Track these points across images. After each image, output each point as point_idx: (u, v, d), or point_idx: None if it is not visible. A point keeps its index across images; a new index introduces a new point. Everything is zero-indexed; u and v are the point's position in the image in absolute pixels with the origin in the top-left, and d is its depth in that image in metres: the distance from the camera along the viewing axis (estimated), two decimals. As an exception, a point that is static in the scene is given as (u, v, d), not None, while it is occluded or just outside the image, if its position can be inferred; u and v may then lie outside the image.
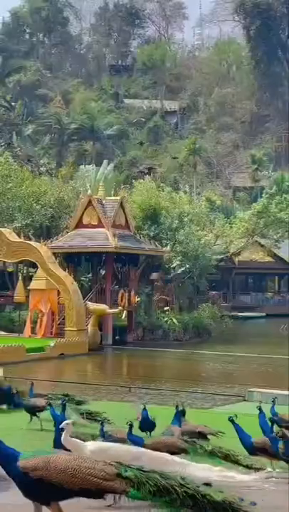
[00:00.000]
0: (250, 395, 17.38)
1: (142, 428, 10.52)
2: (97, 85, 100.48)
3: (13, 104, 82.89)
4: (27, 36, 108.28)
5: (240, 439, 9.29)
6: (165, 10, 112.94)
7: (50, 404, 11.32)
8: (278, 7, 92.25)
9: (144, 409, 10.71)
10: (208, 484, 6.00)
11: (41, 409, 12.21)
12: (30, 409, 12.50)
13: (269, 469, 8.78)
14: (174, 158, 77.33)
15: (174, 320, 38.38)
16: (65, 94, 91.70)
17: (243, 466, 8.79)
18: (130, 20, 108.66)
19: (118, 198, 38.83)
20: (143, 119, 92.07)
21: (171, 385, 22.48)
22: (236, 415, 9.53)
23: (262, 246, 60.31)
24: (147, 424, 10.59)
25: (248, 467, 8.79)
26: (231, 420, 9.32)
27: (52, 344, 30.41)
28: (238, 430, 9.34)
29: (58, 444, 7.86)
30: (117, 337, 36.39)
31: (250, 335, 43.79)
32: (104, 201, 38.13)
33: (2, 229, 36.07)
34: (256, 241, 57.45)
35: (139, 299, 38.19)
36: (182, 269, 42.03)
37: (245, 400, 17.43)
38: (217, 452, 8.98)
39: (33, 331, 33.42)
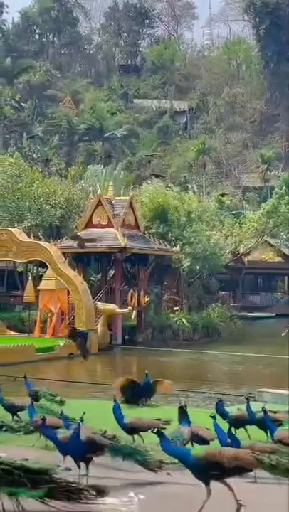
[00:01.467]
0: (260, 395, 17.36)
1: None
2: (106, 85, 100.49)
3: (22, 104, 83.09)
4: (36, 36, 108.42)
5: (218, 438, 9.40)
6: (174, 10, 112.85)
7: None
8: (288, 7, 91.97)
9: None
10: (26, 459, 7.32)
11: (19, 409, 12.40)
12: (8, 409, 12.62)
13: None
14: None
15: (184, 320, 38.38)
16: (75, 95, 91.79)
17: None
18: (140, 20, 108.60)
19: (127, 197, 38.86)
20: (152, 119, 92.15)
21: (180, 385, 22.46)
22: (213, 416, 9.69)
23: (271, 246, 60.24)
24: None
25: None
26: (213, 417, 9.48)
27: (61, 344, 30.46)
28: (216, 428, 9.43)
29: None
30: (126, 337, 36.43)
31: (260, 335, 43.72)
32: (113, 201, 38.17)
33: (12, 229, 36.18)
34: (266, 241, 57.36)
35: (148, 298, 38.21)
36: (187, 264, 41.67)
37: (254, 400, 17.41)
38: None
39: (42, 330, 33.50)
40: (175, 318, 38.36)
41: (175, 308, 39.90)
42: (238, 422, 11.48)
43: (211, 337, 40.33)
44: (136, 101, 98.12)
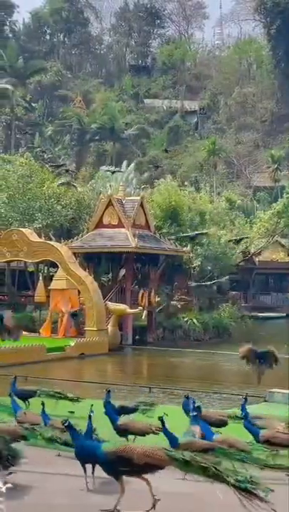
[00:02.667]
0: (271, 395, 17.33)
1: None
2: (117, 85, 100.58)
3: (33, 104, 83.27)
4: (47, 37, 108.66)
5: (168, 439, 9.41)
6: (185, 9, 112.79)
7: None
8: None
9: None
10: None
11: (31, 394, 12.86)
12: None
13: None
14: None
15: (194, 320, 38.35)
16: (86, 95, 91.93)
17: None
18: (150, 20, 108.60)
19: (138, 197, 38.87)
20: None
21: (190, 385, 22.46)
22: (166, 414, 9.72)
23: (282, 246, 60.06)
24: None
25: None
26: (161, 420, 9.49)
27: (72, 344, 30.52)
28: (164, 430, 9.44)
29: None
30: (137, 337, 36.43)
31: (270, 335, 43.58)
32: (124, 201, 38.20)
33: (23, 229, 36.28)
34: (277, 241, 57.23)
35: (159, 299, 38.20)
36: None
37: (265, 401, 17.40)
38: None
39: (53, 330, 33.57)
40: (186, 319, 38.33)
41: (179, 305, 39.88)
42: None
43: (222, 337, 40.27)
44: (147, 101, 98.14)
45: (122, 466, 7.36)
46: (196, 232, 41.84)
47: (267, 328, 48.55)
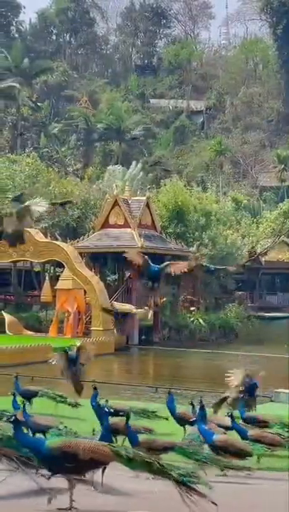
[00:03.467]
0: (277, 395, 17.31)
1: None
2: (123, 85, 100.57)
3: (39, 104, 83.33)
4: (54, 37, 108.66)
5: (128, 437, 9.49)
6: (191, 9, 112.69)
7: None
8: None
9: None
10: None
11: (34, 394, 12.89)
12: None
13: None
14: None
15: (200, 320, 38.31)
16: (92, 95, 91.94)
17: None
18: (156, 20, 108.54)
19: (144, 197, 38.88)
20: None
21: (195, 385, 22.44)
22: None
23: (289, 246, 59.88)
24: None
25: None
26: (127, 417, 9.55)
27: (78, 344, 30.49)
28: (127, 428, 9.47)
29: None
30: (143, 337, 36.43)
31: (277, 335, 43.54)
32: (130, 201, 38.20)
33: (29, 229, 36.30)
34: (283, 241, 57.07)
35: (165, 299, 38.16)
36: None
37: (271, 401, 17.37)
38: None
39: (59, 330, 33.60)
40: (192, 319, 38.31)
41: (192, 309, 39.85)
42: (181, 420, 11.59)
43: (228, 337, 40.25)
44: (153, 101, 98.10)
45: (67, 462, 7.20)
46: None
47: (273, 329, 48.52)
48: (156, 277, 13.92)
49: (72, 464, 7.19)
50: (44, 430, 10.33)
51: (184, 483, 7.08)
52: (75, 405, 13.53)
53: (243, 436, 10.33)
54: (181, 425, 11.54)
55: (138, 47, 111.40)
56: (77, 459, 7.16)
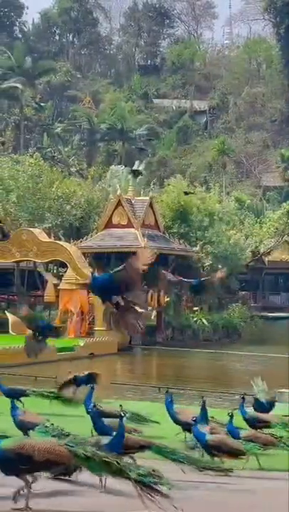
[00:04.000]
0: (280, 395, 17.26)
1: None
2: (126, 85, 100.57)
3: (42, 105, 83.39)
4: (57, 37, 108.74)
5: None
6: (194, 9, 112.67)
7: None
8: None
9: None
10: None
11: (20, 393, 12.85)
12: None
13: None
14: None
15: (204, 320, 38.30)
16: (95, 95, 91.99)
17: None
18: (159, 20, 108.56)
19: (147, 197, 38.87)
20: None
21: (198, 385, 22.44)
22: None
23: (292, 246, 59.84)
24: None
25: None
26: (89, 413, 9.58)
27: (82, 344, 30.53)
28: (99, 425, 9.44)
29: None
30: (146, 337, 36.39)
31: (280, 335, 43.51)
32: (133, 201, 38.19)
33: (32, 229, 36.36)
34: (286, 241, 57.05)
35: (168, 299, 38.16)
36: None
37: (275, 401, 17.31)
38: None
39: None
40: (195, 319, 38.29)
41: (195, 309, 39.83)
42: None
43: (231, 337, 40.23)
44: (156, 101, 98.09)
45: (21, 464, 7.02)
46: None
47: (276, 328, 48.51)
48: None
49: (26, 465, 7.01)
50: (30, 428, 10.25)
51: (145, 484, 6.92)
52: (69, 402, 13.40)
53: (235, 437, 10.29)
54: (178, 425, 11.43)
55: (141, 47, 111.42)
56: (32, 460, 6.98)
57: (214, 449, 9.55)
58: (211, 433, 9.99)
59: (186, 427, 10.83)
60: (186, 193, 42.63)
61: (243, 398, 11.91)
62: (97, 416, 10.10)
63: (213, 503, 7.96)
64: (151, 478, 6.98)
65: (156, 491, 6.89)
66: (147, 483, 6.94)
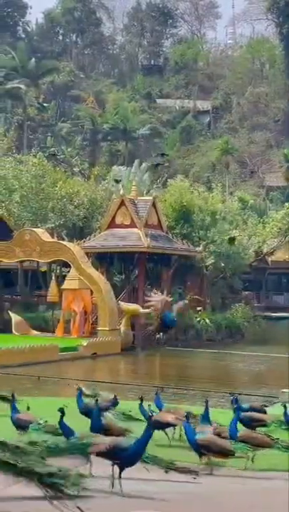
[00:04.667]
0: (284, 395, 17.29)
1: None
2: (129, 85, 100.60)
3: (45, 105, 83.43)
4: (60, 37, 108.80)
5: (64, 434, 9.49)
6: (198, 9, 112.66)
7: None
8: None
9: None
10: None
11: None
12: None
13: None
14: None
15: (207, 320, 38.29)
16: (98, 95, 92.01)
17: None
18: (163, 20, 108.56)
19: (150, 197, 38.88)
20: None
21: (201, 385, 22.45)
22: (66, 406, 9.90)
23: (295, 246, 59.79)
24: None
25: None
26: (61, 411, 9.63)
27: (85, 343, 30.56)
28: (62, 425, 9.47)
29: None
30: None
31: (283, 335, 43.48)
32: (136, 201, 38.21)
33: (36, 229, 36.38)
34: (289, 241, 57.01)
35: (171, 299, 38.16)
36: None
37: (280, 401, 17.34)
38: None
39: (66, 330, 33.63)
40: (198, 318, 38.28)
41: (198, 309, 39.83)
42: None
43: (235, 337, 40.22)
44: (159, 101, 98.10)
45: None
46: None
47: (280, 328, 48.47)
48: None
49: None
50: (25, 426, 10.82)
51: (49, 485, 6.85)
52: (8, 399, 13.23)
53: (233, 438, 10.25)
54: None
55: (144, 47, 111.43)
56: None
57: (204, 449, 9.55)
58: (215, 433, 10.01)
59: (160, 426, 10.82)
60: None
61: (236, 399, 11.91)
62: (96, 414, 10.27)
63: (212, 504, 7.98)
64: (58, 480, 6.89)
65: (61, 491, 6.81)
66: (53, 484, 6.86)
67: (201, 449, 9.52)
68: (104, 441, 8.60)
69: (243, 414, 11.35)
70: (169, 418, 10.91)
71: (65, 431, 9.50)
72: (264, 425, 11.37)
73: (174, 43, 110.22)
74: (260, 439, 10.15)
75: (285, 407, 11.54)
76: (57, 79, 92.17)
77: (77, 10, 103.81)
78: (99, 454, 8.34)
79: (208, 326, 38.17)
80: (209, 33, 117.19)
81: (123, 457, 8.10)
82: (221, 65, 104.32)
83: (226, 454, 9.60)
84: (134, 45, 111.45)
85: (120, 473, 8.14)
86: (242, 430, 10.47)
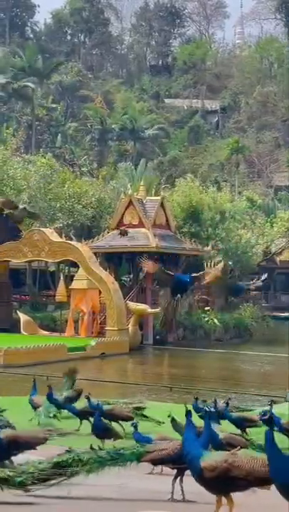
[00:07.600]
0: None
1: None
2: (137, 85, 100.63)
3: (54, 105, 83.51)
4: (68, 37, 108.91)
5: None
6: (206, 9, 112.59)
7: None
8: None
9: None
10: None
11: None
12: None
13: None
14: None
15: (215, 320, 38.27)
16: (106, 95, 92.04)
17: None
18: (171, 19, 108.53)
19: (159, 197, 38.90)
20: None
21: (210, 385, 22.44)
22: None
23: (304, 246, 59.66)
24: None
25: None
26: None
27: (93, 343, 30.60)
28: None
29: None
30: (157, 337, 36.42)
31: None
32: (144, 201, 38.22)
33: (44, 229, 36.46)
34: (298, 241, 56.92)
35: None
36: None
37: (286, 401, 17.30)
38: None
39: (74, 330, 33.69)
40: (206, 318, 38.26)
41: (206, 308, 39.81)
42: None
43: (243, 337, 40.18)
44: (167, 101, 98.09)
45: None
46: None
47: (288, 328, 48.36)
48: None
49: None
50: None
51: (16, 484, 6.97)
52: None
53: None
54: None
55: (152, 47, 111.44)
56: None
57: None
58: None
59: None
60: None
61: (228, 402, 11.92)
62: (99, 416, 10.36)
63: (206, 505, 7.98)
64: (23, 478, 6.99)
65: (28, 491, 6.95)
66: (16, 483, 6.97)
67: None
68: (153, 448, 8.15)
69: (235, 414, 11.37)
70: None
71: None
72: (256, 425, 11.35)
73: (182, 43, 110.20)
74: (240, 441, 10.13)
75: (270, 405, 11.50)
76: (65, 79, 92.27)
77: (85, 10, 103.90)
78: (157, 462, 8.04)
79: (217, 325, 38.15)
80: (217, 32, 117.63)
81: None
82: (229, 64, 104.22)
83: None
84: (142, 45, 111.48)
85: (183, 477, 7.79)
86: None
